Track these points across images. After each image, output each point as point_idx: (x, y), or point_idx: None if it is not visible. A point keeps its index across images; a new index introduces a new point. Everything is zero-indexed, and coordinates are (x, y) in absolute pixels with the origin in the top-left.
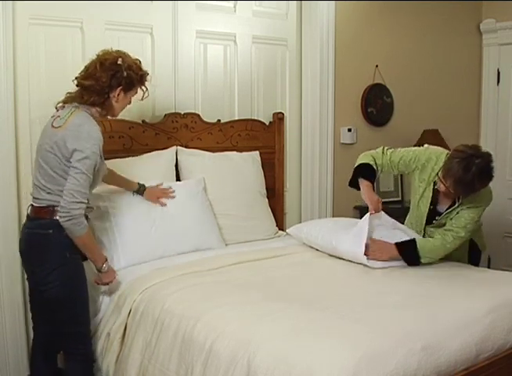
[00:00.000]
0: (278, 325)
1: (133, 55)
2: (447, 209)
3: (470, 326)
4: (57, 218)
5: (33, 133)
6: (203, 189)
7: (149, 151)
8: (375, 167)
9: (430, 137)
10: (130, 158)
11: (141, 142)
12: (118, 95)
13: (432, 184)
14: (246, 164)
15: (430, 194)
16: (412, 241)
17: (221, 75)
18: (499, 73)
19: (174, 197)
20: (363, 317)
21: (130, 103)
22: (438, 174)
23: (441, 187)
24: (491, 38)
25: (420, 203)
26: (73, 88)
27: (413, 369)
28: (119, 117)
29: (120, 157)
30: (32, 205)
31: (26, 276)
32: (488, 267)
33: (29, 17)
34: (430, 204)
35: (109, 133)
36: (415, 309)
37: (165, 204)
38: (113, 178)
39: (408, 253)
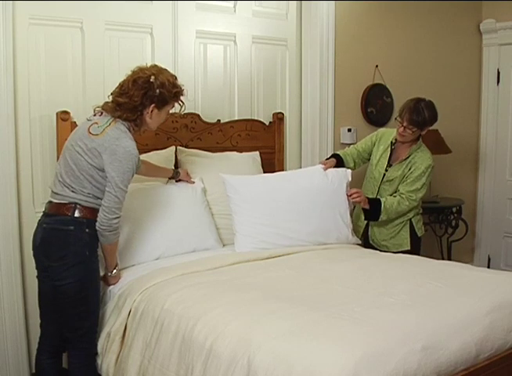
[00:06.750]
0: (278, 325)
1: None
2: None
3: (470, 326)
4: (78, 215)
5: (33, 133)
6: (202, 189)
7: (149, 151)
8: (342, 156)
9: (431, 137)
10: None
11: (141, 142)
12: (151, 111)
13: (390, 145)
14: (247, 164)
15: (388, 154)
16: (378, 200)
17: (221, 75)
18: (498, 73)
19: (193, 183)
20: (363, 317)
21: (168, 116)
22: (396, 118)
23: (400, 129)
24: (491, 38)
25: (377, 165)
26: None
27: (413, 369)
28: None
29: None
30: (51, 202)
31: (36, 274)
32: (488, 267)
33: (29, 17)
34: (387, 166)
35: None
36: (415, 309)
37: (194, 182)
38: (147, 170)
39: (374, 208)
